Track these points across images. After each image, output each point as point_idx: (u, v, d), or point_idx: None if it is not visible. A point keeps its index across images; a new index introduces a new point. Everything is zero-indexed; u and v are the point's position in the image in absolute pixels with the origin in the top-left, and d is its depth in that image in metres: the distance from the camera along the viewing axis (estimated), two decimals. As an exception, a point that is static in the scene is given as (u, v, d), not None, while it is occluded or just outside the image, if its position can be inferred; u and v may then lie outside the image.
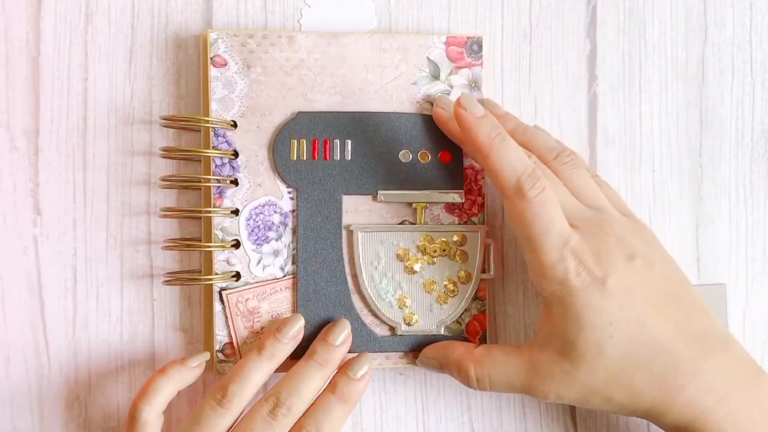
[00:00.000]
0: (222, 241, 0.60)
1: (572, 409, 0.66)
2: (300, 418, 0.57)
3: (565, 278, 0.53)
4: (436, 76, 0.62)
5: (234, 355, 0.60)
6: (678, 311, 0.54)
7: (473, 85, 0.63)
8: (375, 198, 0.62)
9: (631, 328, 0.52)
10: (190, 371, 0.58)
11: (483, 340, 0.63)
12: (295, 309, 0.61)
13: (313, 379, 0.57)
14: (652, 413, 0.54)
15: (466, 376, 0.58)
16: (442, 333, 0.62)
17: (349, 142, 0.61)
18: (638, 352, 0.52)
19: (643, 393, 0.53)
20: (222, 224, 0.60)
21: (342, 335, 0.59)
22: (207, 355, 0.59)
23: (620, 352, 0.52)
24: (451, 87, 0.62)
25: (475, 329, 0.63)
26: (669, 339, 0.52)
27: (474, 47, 0.63)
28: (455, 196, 0.62)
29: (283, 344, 0.58)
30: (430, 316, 0.62)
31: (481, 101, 0.62)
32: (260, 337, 0.60)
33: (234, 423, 0.56)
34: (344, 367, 0.59)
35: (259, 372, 0.57)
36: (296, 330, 0.59)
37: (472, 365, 0.57)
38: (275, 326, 0.59)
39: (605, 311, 0.52)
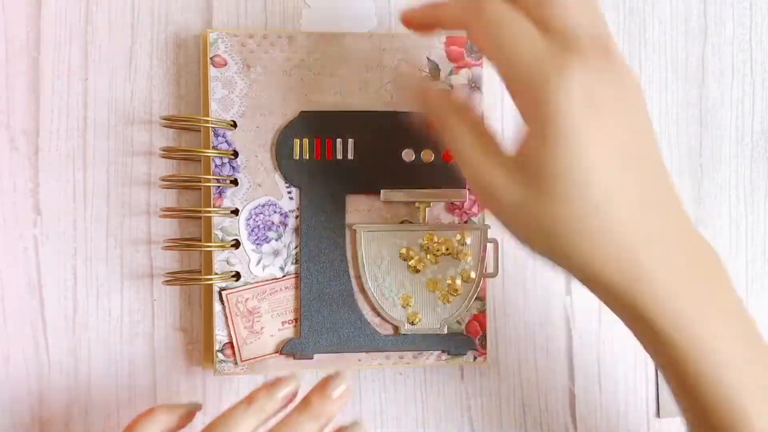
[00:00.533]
0: (222, 241, 0.60)
1: (572, 409, 0.66)
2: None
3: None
4: (436, 76, 0.62)
5: (234, 355, 0.60)
6: (634, 168, 0.45)
7: (473, 84, 0.63)
8: (378, 197, 0.62)
9: (616, 173, 0.44)
10: (176, 418, 0.54)
11: (483, 341, 0.63)
12: (299, 308, 0.61)
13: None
14: (574, 259, 0.46)
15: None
16: (446, 332, 0.62)
17: (351, 142, 0.61)
18: (619, 200, 0.44)
19: (564, 235, 0.45)
20: (222, 224, 0.60)
21: (340, 388, 0.53)
22: (199, 406, 0.56)
23: (602, 193, 0.44)
24: (451, 87, 0.62)
25: (474, 329, 0.63)
26: (626, 197, 0.45)
27: (474, 47, 0.63)
28: (458, 195, 0.62)
29: (274, 401, 0.53)
30: (433, 315, 0.62)
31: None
32: (253, 390, 0.54)
33: None
34: (321, 385, 0.53)
35: (243, 425, 0.52)
36: (289, 391, 0.53)
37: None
38: (270, 382, 0.53)
39: (601, 132, 0.44)
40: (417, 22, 0.52)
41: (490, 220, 0.63)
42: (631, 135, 0.45)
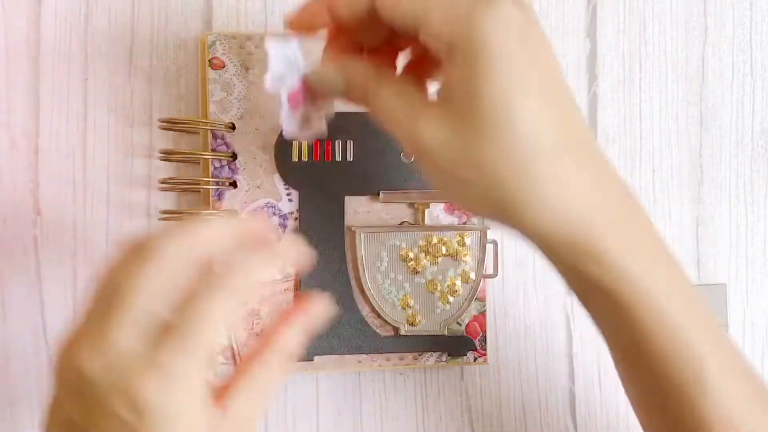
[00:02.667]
0: (221, 243, 0.60)
1: (572, 409, 0.67)
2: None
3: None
4: (435, 77, 0.62)
5: (233, 357, 0.61)
6: (561, 106, 0.44)
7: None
8: (377, 198, 0.62)
9: (544, 108, 0.43)
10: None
11: (483, 342, 0.63)
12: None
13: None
14: (510, 210, 0.44)
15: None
16: (446, 333, 0.63)
17: (351, 143, 0.61)
18: (542, 141, 0.43)
19: (529, 191, 0.43)
20: (221, 226, 0.60)
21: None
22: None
23: (525, 131, 0.42)
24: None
25: (474, 330, 0.63)
26: (571, 140, 0.44)
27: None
28: (457, 196, 0.62)
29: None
30: (433, 317, 0.62)
31: None
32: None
33: None
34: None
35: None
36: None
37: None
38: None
39: (526, 72, 0.42)
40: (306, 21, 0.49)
41: (489, 222, 0.63)
42: (552, 70, 0.44)
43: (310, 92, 0.49)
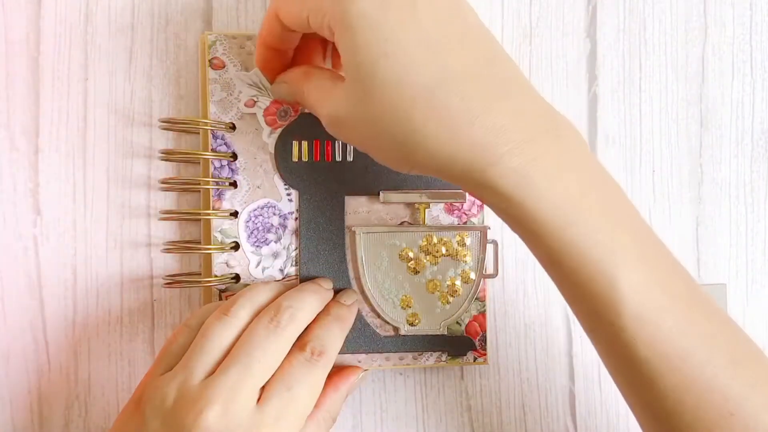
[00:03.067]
0: (221, 243, 0.60)
1: (572, 410, 0.67)
2: (302, 335, 0.56)
3: None
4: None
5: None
6: (474, 51, 0.47)
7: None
8: (377, 198, 0.62)
9: (411, 52, 0.45)
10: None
11: (483, 342, 0.63)
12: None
13: (315, 300, 0.58)
14: (435, 161, 0.47)
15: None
16: (446, 333, 0.63)
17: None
18: (416, 81, 0.45)
19: (422, 129, 0.46)
20: (221, 226, 0.60)
21: (352, 297, 0.61)
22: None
23: (395, 77, 0.45)
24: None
25: (474, 330, 0.63)
26: (455, 72, 0.46)
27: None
28: (458, 196, 0.62)
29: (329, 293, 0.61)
30: (433, 317, 0.62)
31: None
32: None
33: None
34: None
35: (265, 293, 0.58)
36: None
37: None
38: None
39: (382, 27, 0.46)
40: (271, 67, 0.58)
41: (489, 221, 0.63)
42: (434, 23, 0.46)
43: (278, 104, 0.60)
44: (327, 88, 0.51)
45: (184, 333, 0.55)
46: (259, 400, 0.51)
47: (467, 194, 0.62)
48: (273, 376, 0.52)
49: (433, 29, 0.46)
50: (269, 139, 0.61)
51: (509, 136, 0.45)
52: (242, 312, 0.54)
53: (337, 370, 0.60)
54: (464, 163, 0.45)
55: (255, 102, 0.61)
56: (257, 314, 0.55)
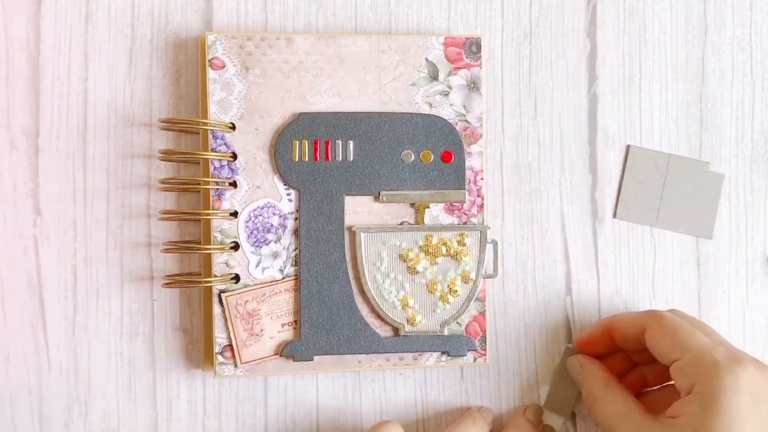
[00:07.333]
0: (221, 243, 0.60)
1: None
2: None
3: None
4: (434, 77, 0.62)
5: (234, 357, 0.61)
6: None
7: (472, 85, 0.63)
8: (377, 198, 0.62)
9: None
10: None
11: (483, 342, 0.63)
12: (298, 310, 0.61)
13: None
14: None
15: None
16: (446, 333, 0.63)
17: (351, 143, 0.61)
18: None
19: None
20: (221, 226, 0.60)
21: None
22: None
23: None
24: (450, 88, 0.62)
25: (474, 330, 0.63)
26: None
27: (472, 48, 0.62)
28: (458, 196, 0.62)
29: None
30: (433, 317, 0.62)
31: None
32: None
33: None
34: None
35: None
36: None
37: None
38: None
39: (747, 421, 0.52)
40: (592, 346, 0.64)
41: (489, 221, 0.63)
42: None
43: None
44: (638, 419, 0.56)
45: None
46: None
47: (467, 194, 0.62)
48: None
49: None
50: (269, 139, 0.61)
51: None
52: None
53: None
54: None
55: None
56: None
